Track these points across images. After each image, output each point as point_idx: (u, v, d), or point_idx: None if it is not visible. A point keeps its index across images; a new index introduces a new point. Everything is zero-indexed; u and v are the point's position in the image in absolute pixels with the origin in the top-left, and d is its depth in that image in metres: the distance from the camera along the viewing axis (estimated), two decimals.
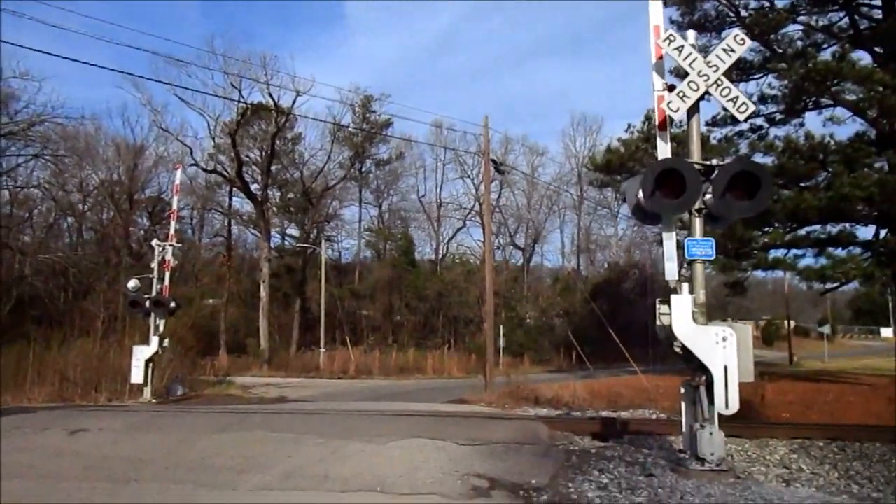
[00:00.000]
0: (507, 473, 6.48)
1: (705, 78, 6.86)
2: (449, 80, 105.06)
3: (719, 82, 6.88)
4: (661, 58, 7.18)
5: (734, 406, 6.46)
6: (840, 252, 21.75)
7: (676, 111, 6.95)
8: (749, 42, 7.05)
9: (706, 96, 7.04)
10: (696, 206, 6.86)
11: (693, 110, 7.06)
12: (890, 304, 73.30)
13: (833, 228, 21.59)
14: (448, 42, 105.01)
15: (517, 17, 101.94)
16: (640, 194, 6.97)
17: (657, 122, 7.15)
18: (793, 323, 58.52)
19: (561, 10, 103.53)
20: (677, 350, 6.90)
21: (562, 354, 41.10)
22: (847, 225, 21.40)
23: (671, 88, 7.03)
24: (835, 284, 23.33)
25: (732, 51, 6.93)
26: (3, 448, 7.40)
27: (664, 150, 7.09)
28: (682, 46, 6.99)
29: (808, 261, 22.73)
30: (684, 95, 6.89)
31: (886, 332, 77.38)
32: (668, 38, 7.02)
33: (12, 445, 7.77)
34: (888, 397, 14.90)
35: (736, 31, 7.14)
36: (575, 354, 31.90)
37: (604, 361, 32.85)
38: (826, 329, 55.26)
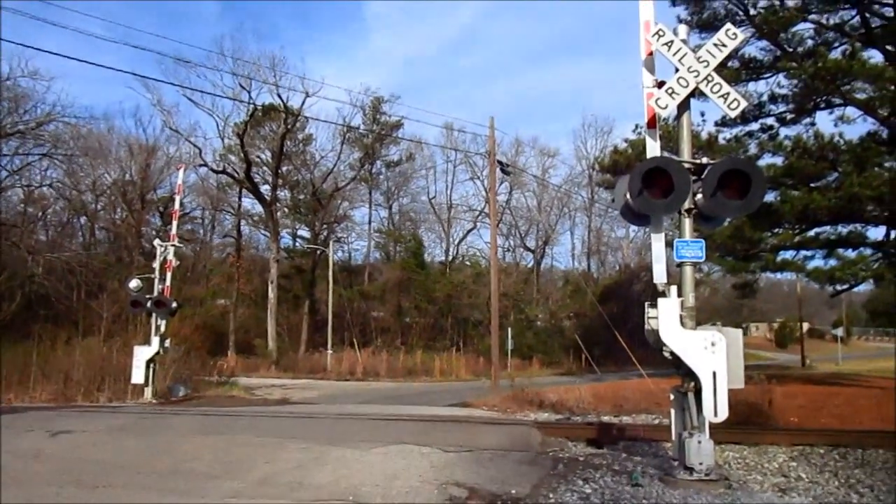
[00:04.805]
0: (488, 482, 6.28)
1: (695, 74, 6.62)
2: (464, 79, 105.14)
3: (710, 78, 6.63)
4: (650, 54, 6.95)
5: (723, 414, 6.23)
6: (850, 253, 21.39)
7: (665, 108, 6.74)
8: (741, 37, 6.82)
9: (697, 93, 6.80)
10: (686, 205, 6.63)
11: (683, 107, 6.83)
12: None
13: (843, 229, 21.24)
14: (465, 41, 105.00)
15: (534, 15, 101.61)
16: (628, 194, 6.76)
17: (646, 120, 6.92)
18: (807, 325, 57.84)
19: (577, 8, 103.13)
20: (667, 355, 6.69)
21: (571, 357, 40.81)
22: (857, 226, 21.03)
23: (661, 85, 6.81)
24: (845, 286, 22.91)
25: (724, 45, 6.69)
26: None
27: (653, 148, 6.87)
28: (672, 41, 6.76)
29: (817, 262, 22.40)
30: (673, 92, 6.67)
31: None
32: (657, 32, 6.79)
33: None
34: None
35: (728, 25, 6.88)
36: (584, 357, 31.63)
37: (614, 364, 32.57)
38: (840, 331, 54.65)
